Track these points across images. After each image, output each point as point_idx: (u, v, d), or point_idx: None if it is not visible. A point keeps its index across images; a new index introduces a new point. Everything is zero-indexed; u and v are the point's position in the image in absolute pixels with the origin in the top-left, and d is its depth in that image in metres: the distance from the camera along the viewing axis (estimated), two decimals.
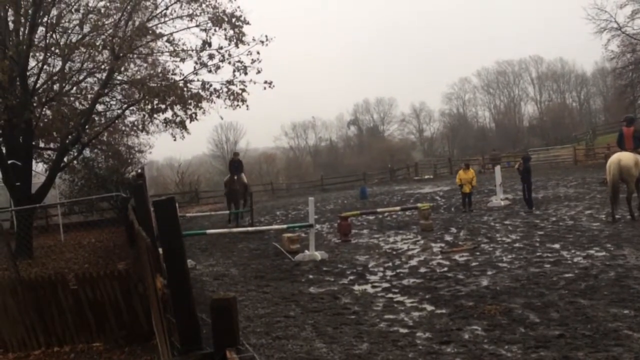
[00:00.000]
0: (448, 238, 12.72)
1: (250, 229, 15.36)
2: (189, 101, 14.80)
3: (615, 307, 6.36)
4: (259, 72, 15.04)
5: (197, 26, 14.95)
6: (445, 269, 9.43)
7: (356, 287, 8.68)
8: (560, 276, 8.07)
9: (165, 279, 2.91)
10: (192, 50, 14.93)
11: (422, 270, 9.53)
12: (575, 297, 6.92)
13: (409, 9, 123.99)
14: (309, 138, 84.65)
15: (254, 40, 14.83)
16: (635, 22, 51.12)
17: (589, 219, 13.51)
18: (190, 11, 14.82)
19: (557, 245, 10.47)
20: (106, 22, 14.49)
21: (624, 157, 12.38)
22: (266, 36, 14.84)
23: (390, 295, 8.00)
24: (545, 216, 14.66)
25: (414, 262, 10.26)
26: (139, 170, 15.23)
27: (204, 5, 14.72)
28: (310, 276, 9.80)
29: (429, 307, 7.14)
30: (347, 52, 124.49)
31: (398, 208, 17.42)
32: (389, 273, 9.54)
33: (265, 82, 15.24)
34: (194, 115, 15.12)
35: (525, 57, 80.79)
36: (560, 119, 71.52)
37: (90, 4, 14.51)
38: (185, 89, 14.84)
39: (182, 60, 15.14)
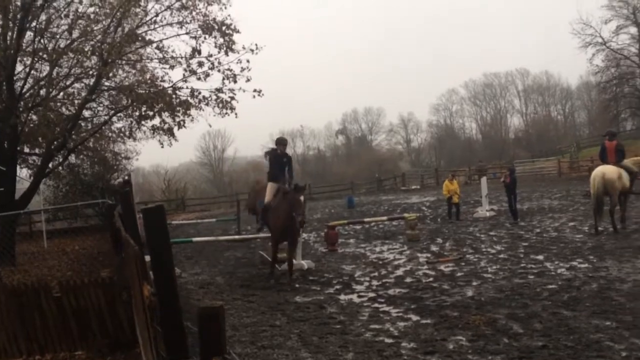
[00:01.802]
0: (434, 248, 12.79)
1: (237, 237, 15.32)
2: (178, 108, 14.79)
3: (598, 319, 6.44)
4: (248, 80, 15.08)
5: (187, 34, 14.97)
6: (431, 279, 9.48)
7: (342, 297, 8.70)
8: (544, 287, 8.16)
9: (152, 286, 2.91)
10: (182, 58, 14.93)
11: (408, 280, 9.58)
12: (559, 308, 6.99)
13: (398, 20, 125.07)
14: (297, 146, 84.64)
15: (244, 48, 14.87)
16: (620, 37, 52.12)
17: (573, 230, 13.67)
18: (181, 18, 14.84)
19: (541, 257, 10.58)
20: (95, 28, 14.45)
21: (608, 170, 12.57)
22: (256, 45, 14.90)
23: (376, 305, 8.02)
24: (530, 227, 14.80)
25: (400, 272, 10.30)
26: (126, 177, 15.15)
27: (194, 13, 14.75)
28: (297, 285, 9.80)
29: (415, 317, 7.17)
30: (336, 61, 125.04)
31: (385, 218, 17.49)
32: (375, 283, 9.57)
33: (255, 90, 15.27)
34: (182, 122, 15.10)
35: (511, 70, 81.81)
36: (545, 132, 72.47)
37: (79, 10, 14.47)
38: (173, 96, 14.83)
39: (171, 67, 15.13)
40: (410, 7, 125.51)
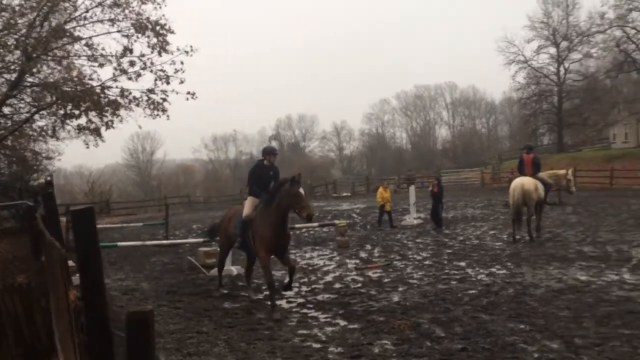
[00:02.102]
0: (363, 255, 13.04)
1: (164, 242, 14.98)
2: (106, 108, 14.31)
3: (513, 322, 6.83)
4: (182, 82, 14.85)
5: (118, 32, 14.57)
6: (359, 285, 9.67)
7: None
8: (465, 292, 8.54)
9: (77, 291, 2.83)
10: (112, 56, 14.50)
11: (337, 286, 9.73)
12: (478, 313, 7.35)
13: (333, 29, 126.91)
14: (229, 151, 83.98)
15: (178, 49, 14.66)
16: (541, 57, 55.50)
17: (493, 238, 14.38)
18: (112, 16, 14.43)
19: (463, 263, 11.06)
20: (20, 21, 13.77)
21: (526, 182, 13.33)
22: (191, 47, 14.70)
23: (305, 310, 8.10)
24: (454, 235, 15.42)
25: (329, 278, 10.45)
26: (48, 178, 14.46)
27: (127, 11, 14.38)
28: (225, 291, 9.72)
29: (342, 322, 7.30)
30: (272, 67, 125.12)
31: (315, 224, 17.62)
32: (304, 288, 9.65)
33: (188, 92, 15.06)
34: (110, 122, 14.63)
35: (441, 83, 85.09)
36: (470, 144, 75.73)
37: (3, 1, 13.73)
38: (102, 95, 14.35)
39: (101, 65, 14.66)
40: (347, 18, 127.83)
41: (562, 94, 53.95)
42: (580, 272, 9.60)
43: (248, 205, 8.76)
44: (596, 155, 46.99)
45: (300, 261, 12.67)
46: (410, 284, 9.42)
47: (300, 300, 8.78)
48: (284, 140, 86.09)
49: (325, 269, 11.53)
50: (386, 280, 9.92)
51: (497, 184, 39.05)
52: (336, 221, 17.04)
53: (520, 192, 13.21)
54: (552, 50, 54.13)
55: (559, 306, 7.48)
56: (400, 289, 9.13)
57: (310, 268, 11.68)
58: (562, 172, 14.58)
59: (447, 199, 23.05)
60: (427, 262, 11.43)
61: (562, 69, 54.08)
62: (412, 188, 20.68)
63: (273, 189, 8.47)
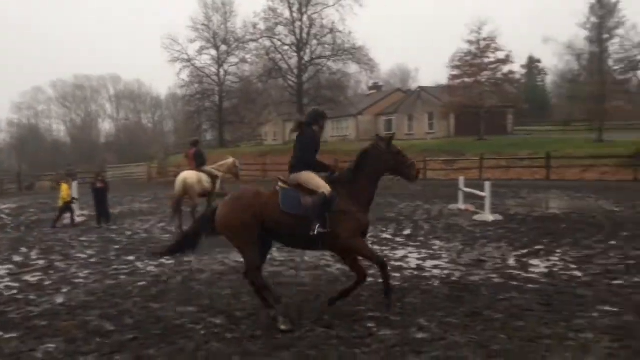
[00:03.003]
0: (17, 259, 11.69)
1: None
2: None
3: (182, 306, 7.26)
4: None
5: None
6: (15, 291, 8.70)
7: None
8: (135, 285, 8.61)
9: None
10: None
11: None
12: (148, 302, 7.53)
13: None
14: None
15: None
16: (203, 57, 58.74)
17: (161, 231, 14.72)
18: None
19: (132, 257, 11.04)
20: None
21: (189, 175, 14.07)
22: None
23: None
24: (122, 230, 15.17)
25: None
26: None
27: None
28: None
29: None
30: None
31: None
32: None
33: None
34: None
35: (104, 74, 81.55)
36: (135, 138, 74.86)
37: None
38: None
39: None
40: None
41: (222, 93, 58.29)
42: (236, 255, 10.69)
43: (318, 180, 6.63)
44: (252, 150, 52.45)
45: None
46: (76, 284, 8.95)
47: None
48: None
49: None
50: (47, 282, 9.18)
51: (163, 178, 39.73)
52: None
53: (181, 185, 13.92)
54: (213, 52, 57.95)
55: (222, 286, 8.26)
56: (64, 290, 8.59)
57: None
58: (230, 161, 15.84)
59: (113, 194, 22.40)
60: (93, 260, 11.00)
61: (222, 70, 58.35)
62: (74, 184, 19.38)
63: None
